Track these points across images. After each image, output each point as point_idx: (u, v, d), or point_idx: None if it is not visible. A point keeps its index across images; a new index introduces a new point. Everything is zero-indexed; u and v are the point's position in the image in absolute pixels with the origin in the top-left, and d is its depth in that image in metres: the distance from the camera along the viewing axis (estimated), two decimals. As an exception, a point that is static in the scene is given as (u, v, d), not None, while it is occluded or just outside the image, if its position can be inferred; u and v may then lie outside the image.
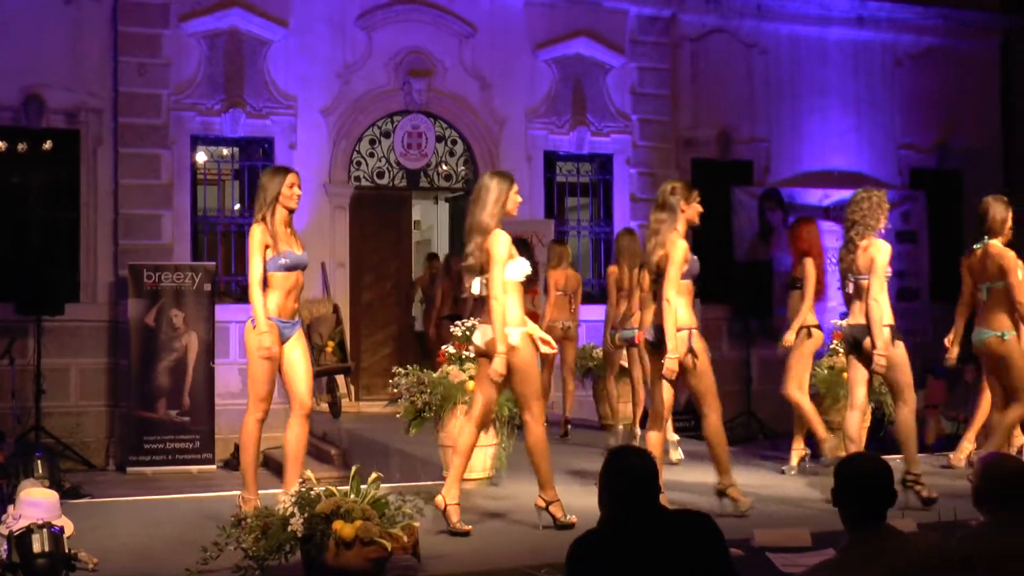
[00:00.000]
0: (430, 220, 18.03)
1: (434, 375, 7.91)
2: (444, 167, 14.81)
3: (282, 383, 6.86)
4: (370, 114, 14.39)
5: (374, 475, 5.58)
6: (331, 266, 14.05)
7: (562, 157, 15.30)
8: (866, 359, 7.08)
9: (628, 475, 3.85)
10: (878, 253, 7.03)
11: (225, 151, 14.32)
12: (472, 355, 7.72)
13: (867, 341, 7.02)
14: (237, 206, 14.27)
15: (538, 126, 14.98)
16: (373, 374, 13.92)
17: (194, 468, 12.40)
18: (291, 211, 6.79)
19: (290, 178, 6.73)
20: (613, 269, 10.40)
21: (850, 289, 7.21)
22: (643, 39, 15.45)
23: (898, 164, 16.99)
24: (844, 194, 16.30)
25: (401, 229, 14.86)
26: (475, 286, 6.43)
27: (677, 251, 6.70)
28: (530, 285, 10.37)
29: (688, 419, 14.52)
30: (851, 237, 7.25)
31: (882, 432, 10.24)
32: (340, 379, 13.29)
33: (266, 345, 6.55)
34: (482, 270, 6.38)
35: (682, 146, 15.79)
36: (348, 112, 14.23)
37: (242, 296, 13.84)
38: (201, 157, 14.13)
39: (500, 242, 6.31)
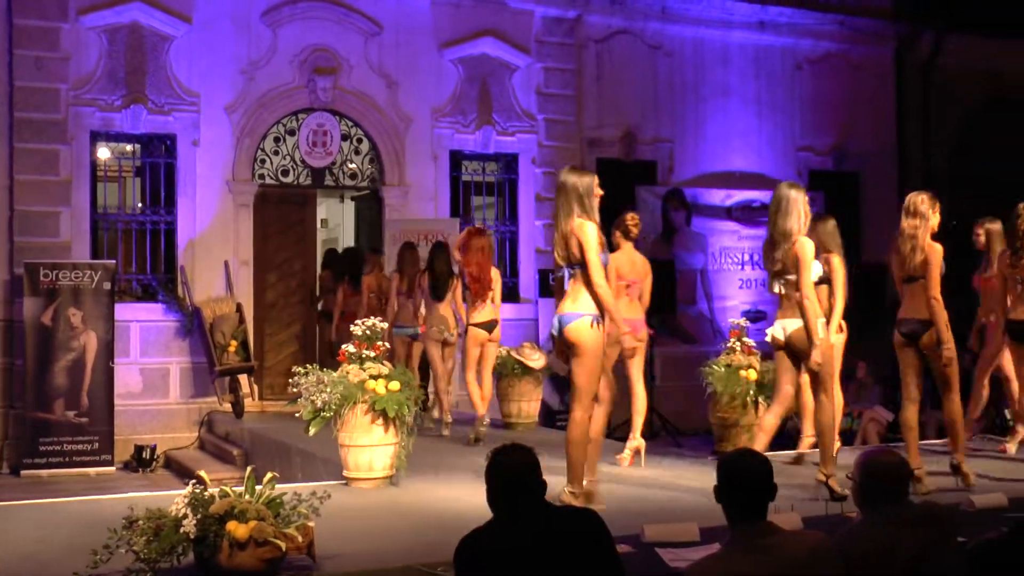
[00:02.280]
0: (336, 219, 17.96)
1: (334, 374, 7.89)
2: (350, 165, 14.76)
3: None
4: (275, 112, 14.28)
5: (269, 475, 5.57)
6: (234, 265, 13.92)
7: (468, 156, 15.34)
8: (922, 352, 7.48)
9: (509, 473, 3.91)
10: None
11: (127, 147, 14.10)
12: (367, 356, 7.91)
13: (926, 336, 7.36)
14: (139, 204, 14.05)
15: (444, 125, 15.00)
16: (276, 373, 13.83)
17: (92, 470, 12.22)
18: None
19: (596, 179, 6.78)
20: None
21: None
22: (549, 40, 15.55)
23: (797, 166, 17.32)
24: (746, 194, 16.65)
25: (306, 228, 14.77)
26: (776, 287, 7.09)
27: (939, 255, 7.35)
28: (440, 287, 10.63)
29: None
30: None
31: (781, 428, 10.41)
32: (243, 378, 13.21)
33: (629, 346, 6.77)
34: (785, 272, 6.97)
35: (587, 146, 15.92)
36: (252, 109, 14.10)
37: (143, 295, 13.69)
38: (103, 153, 13.91)
39: (809, 248, 6.95)
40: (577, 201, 6.58)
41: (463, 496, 7.31)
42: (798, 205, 7.00)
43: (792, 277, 7.02)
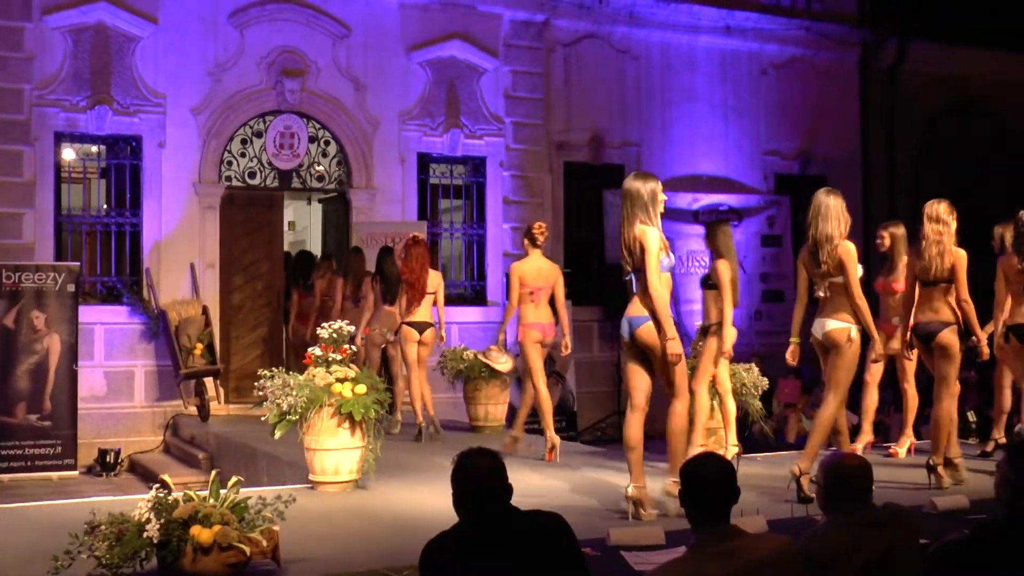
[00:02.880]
0: (304, 221, 17.91)
1: (300, 377, 7.86)
2: (317, 168, 14.72)
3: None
4: (242, 113, 14.22)
5: (234, 479, 5.55)
6: (200, 267, 13.86)
7: (436, 159, 15.33)
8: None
9: (475, 477, 3.91)
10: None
11: (92, 149, 14.00)
12: (334, 359, 7.91)
13: (945, 335, 7.76)
14: (104, 205, 13.95)
15: (412, 128, 14.98)
16: (243, 376, 13.75)
17: (55, 475, 12.10)
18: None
19: (660, 185, 6.94)
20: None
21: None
22: (517, 43, 15.57)
23: (764, 170, 17.43)
24: (713, 198, 16.73)
25: (273, 230, 14.71)
26: (820, 289, 7.34)
27: (965, 259, 7.77)
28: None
29: (559, 420, 14.73)
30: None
31: (747, 432, 10.48)
32: (209, 381, 13.14)
33: (674, 352, 6.73)
34: (829, 275, 7.24)
35: (555, 149, 15.95)
36: (219, 111, 14.04)
37: (108, 297, 13.60)
38: (68, 155, 13.81)
39: (852, 250, 7.24)
40: (641, 208, 6.76)
41: (429, 500, 7.30)
42: (837, 210, 7.24)
43: (837, 279, 7.26)
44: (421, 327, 10.71)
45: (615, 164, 16.42)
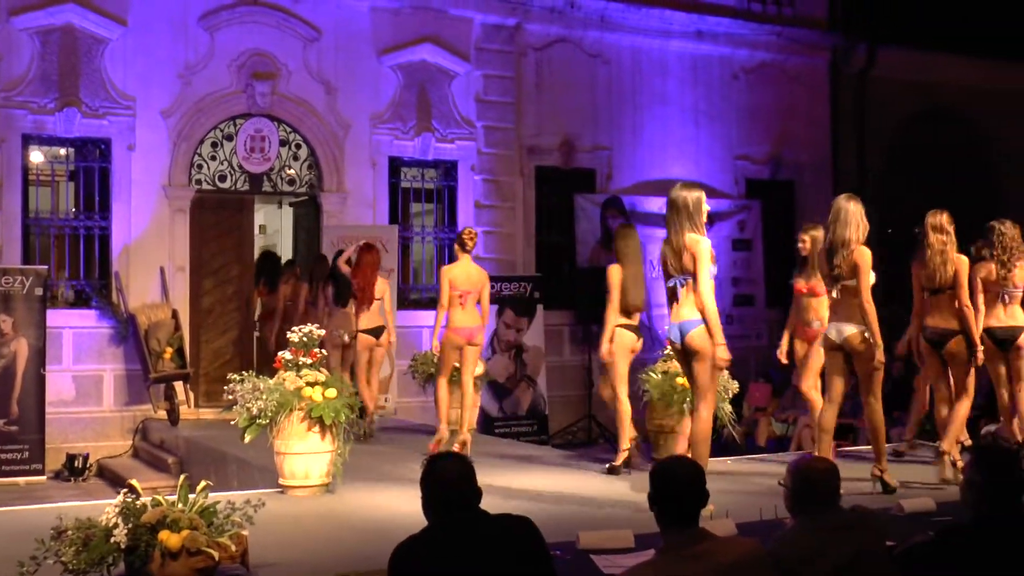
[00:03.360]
0: (275, 225, 17.84)
1: (270, 381, 7.84)
2: (288, 171, 14.67)
3: None
4: (212, 116, 14.16)
5: (203, 483, 5.52)
6: (170, 270, 13.78)
7: (407, 163, 15.31)
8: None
9: (445, 481, 3.91)
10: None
11: (60, 151, 13.90)
12: (304, 363, 7.87)
13: (953, 342, 8.19)
14: (72, 208, 13.85)
15: (383, 132, 14.96)
16: (213, 380, 13.67)
17: (22, 480, 11.98)
18: None
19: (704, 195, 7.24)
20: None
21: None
22: (488, 47, 15.57)
23: (735, 174, 17.49)
24: (684, 203, 16.75)
25: (243, 233, 14.64)
26: (834, 291, 7.57)
27: (967, 267, 8.25)
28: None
29: (531, 424, 14.76)
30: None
31: (717, 435, 10.49)
32: (179, 385, 13.07)
33: (723, 357, 7.10)
34: (842, 278, 7.47)
35: (526, 153, 15.96)
36: (189, 114, 13.97)
37: (76, 301, 13.51)
38: (36, 157, 13.72)
39: (868, 255, 7.47)
40: (687, 217, 7.05)
41: (399, 504, 7.28)
42: (856, 216, 7.50)
43: (850, 283, 7.47)
44: (376, 332, 11.15)
45: (586, 168, 16.46)
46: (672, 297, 7.18)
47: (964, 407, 8.36)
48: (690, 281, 7.01)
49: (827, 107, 18.31)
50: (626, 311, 8.81)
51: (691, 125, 17.19)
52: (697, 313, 7.02)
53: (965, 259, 8.23)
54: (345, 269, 11.21)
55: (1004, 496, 4.24)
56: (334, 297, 11.48)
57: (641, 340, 9.02)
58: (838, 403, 7.77)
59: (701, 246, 6.95)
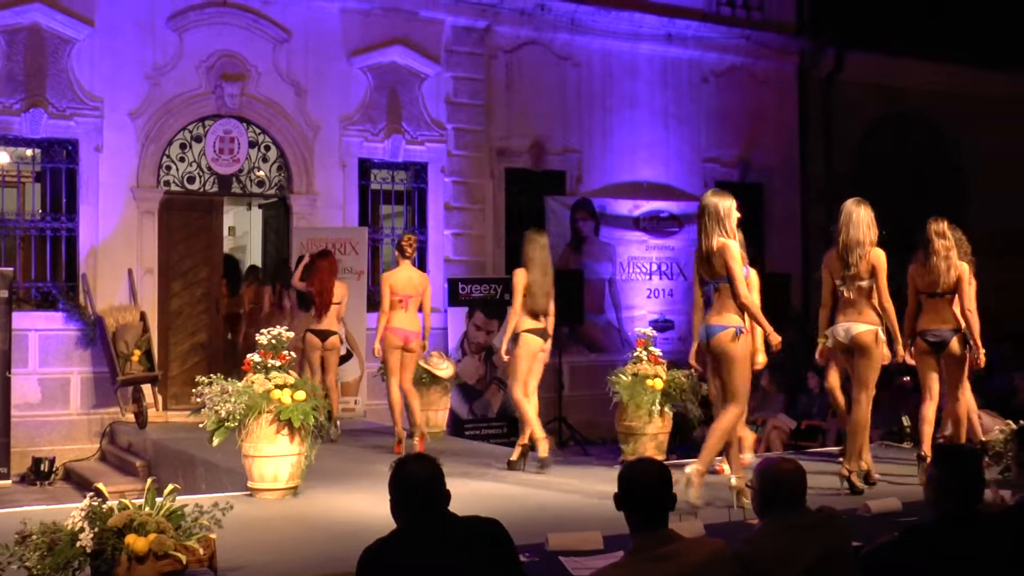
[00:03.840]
0: (244, 227, 17.78)
1: (239, 384, 7.81)
2: (257, 173, 14.61)
3: None
4: (181, 117, 14.08)
5: (170, 487, 5.49)
6: (138, 273, 13.70)
7: (377, 165, 15.28)
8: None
9: (413, 483, 3.92)
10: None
11: (27, 152, 13.79)
12: (273, 365, 7.84)
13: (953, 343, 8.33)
14: (39, 210, 13.74)
15: (353, 133, 14.93)
16: (181, 383, 13.60)
17: (-13, 483, 11.89)
18: None
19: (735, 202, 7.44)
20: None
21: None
22: (458, 49, 15.57)
23: (704, 177, 17.53)
24: (654, 205, 16.84)
25: (212, 235, 14.56)
26: (847, 291, 7.76)
27: (967, 272, 8.42)
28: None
29: (501, 426, 14.76)
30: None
31: (677, 437, 10.52)
32: (146, 388, 13.01)
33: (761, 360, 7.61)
34: (857, 278, 7.70)
35: (496, 156, 15.97)
36: (158, 115, 13.89)
37: (43, 303, 13.40)
38: (2, 158, 13.61)
39: (883, 256, 7.74)
40: (718, 222, 7.20)
41: (368, 506, 7.27)
42: (866, 218, 7.77)
43: (863, 283, 7.73)
44: (324, 335, 11.27)
45: (556, 171, 16.49)
46: (707, 302, 7.35)
47: (963, 406, 8.53)
48: (723, 285, 7.14)
49: (795, 110, 18.41)
50: (532, 314, 9.07)
51: (660, 128, 17.25)
52: (727, 318, 7.16)
53: (966, 265, 8.42)
54: (300, 286, 11.56)
55: (965, 495, 4.29)
56: (298, 301, 11.79)
57: (549, 342, 9.29)
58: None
59: (731, 249, 7.10)
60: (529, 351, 9.06)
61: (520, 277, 9.05)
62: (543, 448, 9.05)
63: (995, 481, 7.18)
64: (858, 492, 7.64)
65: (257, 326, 9.93)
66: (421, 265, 15.33)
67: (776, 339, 7.24)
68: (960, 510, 4.27)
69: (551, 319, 9.22)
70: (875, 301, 7.77)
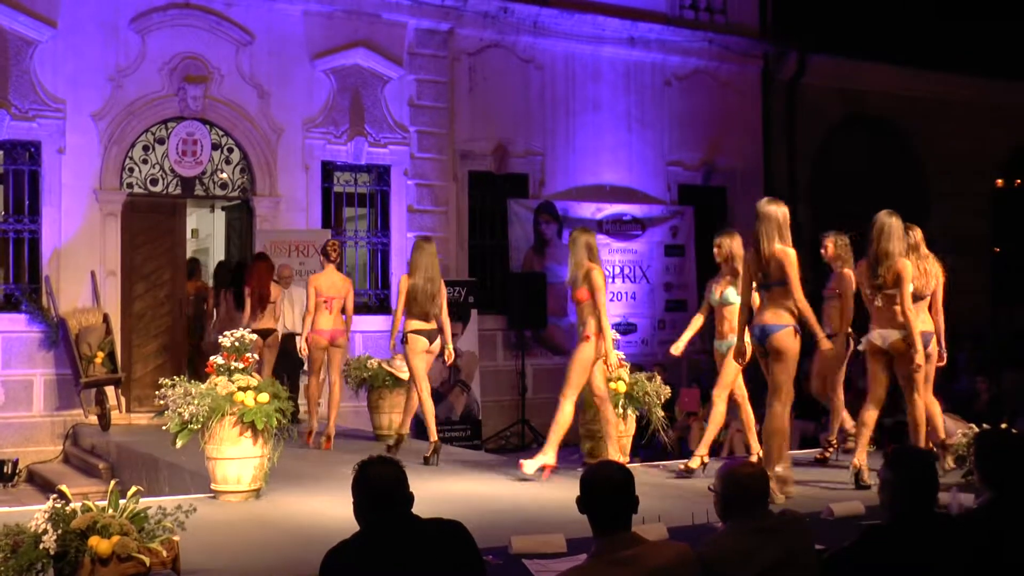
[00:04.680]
0: (207, 229, 17.72)
1: (202, 386, 7.81)
2: (220, 175, 14.57)
3: None
4: (144, 119, 14.03)
5: (133, 489, 5.51)
6: (101, 274, 13.63)
7: (340, 167, 15.28)
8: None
9: (376, 485, 3.95)
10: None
11: (-10, 154, 13.71)
12: (236, 367, 7.87)
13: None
14: (1, 212, 13.64)
15: (316, 136, 14.92)
16: (144, 385, 13.56)
17: (-45, 486, 11.83)
18: None
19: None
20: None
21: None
22: (421, 51, 15.59)
23: (667, 180, 17.63)
24: (617, 208, 16.92)
25: (176, 237, 14.51)
26: (877, 299, 8.14)
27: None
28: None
29: (464, 429, 14.79)
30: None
31: (644, 439, 10.57)
32: (110, 390, 12.96)
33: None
34: (885, 287, 8.06)
35: (459, 159, 15.99)
36: (120, 117, 13.84)
37: (5, 305, 13.33)
38: (-36, 160, 13.55)
39: (909, 267, 8.11)
40: (777, 228, 7.61)
41: (331, 509, 7.30)
42: (898, 230, 8.10)
43: (891, 292, 8.04)
44: (264, 333, 11.62)
45: (519, 173, 16.53)
46: (763, 301, 7.81)
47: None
48: (775, 288, 7.59)
49: (759, 114, 18.51)
50: (418, 317, 9.74)
51: (624, 131, 17.32)
52: (783, 316, 7.61)
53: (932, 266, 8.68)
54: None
55: (919, 495, 4.35)
56: (235, 302, 12.30)
57: (436, 342, 9.88)
58: (880, 404, 8.37)
59: (791, 256, 7.55)
60: (417, 351, 9.76)
61: (404, 283, 9.78)
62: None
63: (958, 485, 7.26)
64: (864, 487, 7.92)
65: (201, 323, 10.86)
66: (384, 268, 15.37)
67: (827, 344, 7.88)
68: (914, 510, 4.33)
69: (445, 321, 9.92)
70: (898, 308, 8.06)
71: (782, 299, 7.59)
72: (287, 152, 14.71)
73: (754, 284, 7.83)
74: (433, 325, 9.80)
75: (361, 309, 14.35)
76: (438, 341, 9.88)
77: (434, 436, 9.72)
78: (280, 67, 14.70)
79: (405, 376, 11.63)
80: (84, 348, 12.75)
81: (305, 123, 14.85)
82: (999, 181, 21.51)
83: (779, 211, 7.62)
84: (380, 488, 3.95)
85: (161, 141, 14.17)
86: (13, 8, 13.30)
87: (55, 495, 5.37)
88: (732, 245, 8.93)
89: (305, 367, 11.94)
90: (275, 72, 14.67)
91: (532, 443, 14.64)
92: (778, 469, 7.54)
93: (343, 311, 10.82)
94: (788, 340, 7.60)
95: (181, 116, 14.16)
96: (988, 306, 20.54)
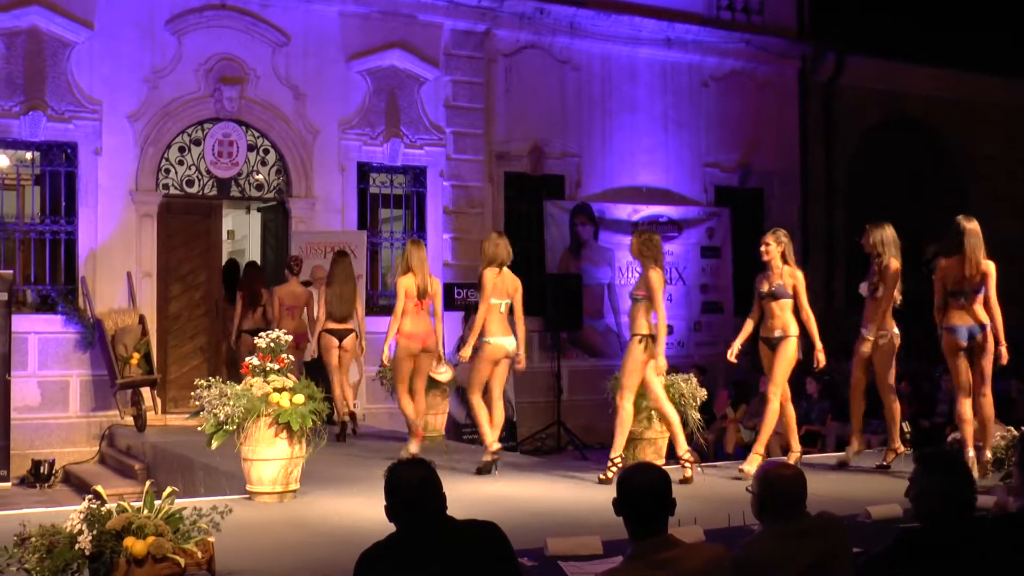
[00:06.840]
0: (243, 230, 17.77)
1: (237, 387, 7.80)
2: (256, 176, 14.60)
3: None
4: (180, 121, 14.07)
5: (169, 489, 5.49)
6: (137, 275, 13.69)
7: (376, 169, 15.28)
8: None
9: (407, 487, 3.91)
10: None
11: (26, 155, 13.77)
12: (271, 368, 7.89)
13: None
14: (38, 212, 13.72)
15: (352, 137, 14.92)
16: (180, 386, 13.59)
17: (-14, 486, 11.87)
18: None
19: None
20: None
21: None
22: (458, 53, 15.57)
23: (703, 182, 17.54)
24: (652, 209, 16.84)
25: (211, 239, 14.56)
26: (961, 299, 8.56)
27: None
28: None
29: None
30: None
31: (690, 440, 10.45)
32: (145, 391, 12.99)
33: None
34: (974, 287, 8.54)
35: (495, 160, 15.96)
36: (156, 118, 13.89)
37: (42, 306, 13.40)
38: (2, 161, 13.61)
39: (992, 268, 8.59)
40: (980, 243, 8.50)
41: (366, 510, 7.27)
42: (979, 232, 8.56)
43: (976, 290, 8.54)
44: (254, 332, 11.98)
45: (555, 175, 16.49)
46: (958, 306, 8.54)
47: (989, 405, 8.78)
48: (973, 295, 8.45)
49: (795, 115, 18.40)
50: (334, 319, 11.45)
51: (660, 132, 17.24)
52: (980, 320, 8.49)
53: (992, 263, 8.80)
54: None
55: (954, 498, 4.25)
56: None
57: (350, 339, 11.55)
58: (969, 392, 8.61)
59: (992, 269, 8.47)
60: (329, 347, 11.51)
61: (321, 293, 11.65)
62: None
63: (996, 487, 7.15)
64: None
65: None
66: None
67: (1005, 356, 8.61)
68: (951, 515, 4.23)
69: (361, 321, 11.88)
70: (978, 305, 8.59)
71: (973, 305, 8.48)
72: (323, 153, 14.73)
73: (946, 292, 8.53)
74: (349, 325, 11.57)
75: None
76: (350, 338, 11.57)
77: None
78: (316, 68, 14.72)
79: (441, 378, 11.63)
80: (120, 349, 12.79)
81: (341, 124, 14.86)
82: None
83: (978, 227, 8.50)
84: (411, 490, 3.91)
85: (197, 142, 14.22)
86: (50, 10, 13.38)
87: (91, 496, 5.37)
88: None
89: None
90: (311, 73, 14.69)
91: (568, 445, 14.59)
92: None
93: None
94: (989, 338, 8.47)
95: (217, 117, 14.21)
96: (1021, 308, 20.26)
